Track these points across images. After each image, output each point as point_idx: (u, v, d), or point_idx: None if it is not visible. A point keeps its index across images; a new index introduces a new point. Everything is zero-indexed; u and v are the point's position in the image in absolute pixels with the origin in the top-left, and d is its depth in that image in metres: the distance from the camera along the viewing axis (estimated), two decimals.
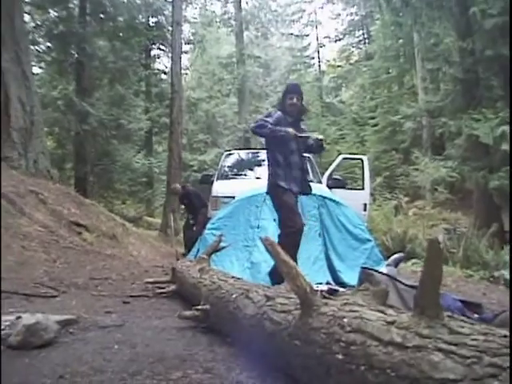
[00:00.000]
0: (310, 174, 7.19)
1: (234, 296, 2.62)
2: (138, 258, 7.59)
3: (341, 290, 3.36)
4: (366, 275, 2.92)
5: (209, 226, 6.33)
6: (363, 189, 8.75)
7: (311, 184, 5.08)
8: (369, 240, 6.10)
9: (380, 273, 3.05)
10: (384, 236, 10.00)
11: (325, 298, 1.72)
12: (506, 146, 10.58)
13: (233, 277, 3.26)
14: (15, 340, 2.73)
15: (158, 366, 2.32)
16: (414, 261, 8.47)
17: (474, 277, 6.73)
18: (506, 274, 6.25)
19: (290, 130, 4.31)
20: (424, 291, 1.32)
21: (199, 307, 3.06)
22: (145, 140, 21.66)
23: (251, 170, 9.59)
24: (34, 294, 4.24)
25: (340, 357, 1.43)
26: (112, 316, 3.60)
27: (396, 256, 3.96)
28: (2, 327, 3.00)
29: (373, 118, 21.98)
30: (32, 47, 17.33)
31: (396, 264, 3.70)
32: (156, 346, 2.72)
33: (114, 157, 17.09)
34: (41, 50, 17.67)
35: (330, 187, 7.99)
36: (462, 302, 2.85)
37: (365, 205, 8.40)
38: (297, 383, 1.86)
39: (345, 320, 1.51)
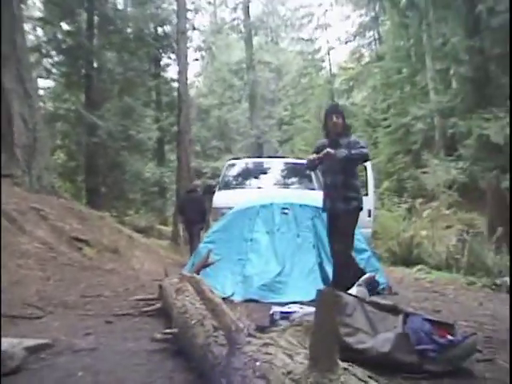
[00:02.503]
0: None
1: (193, 322, 2.59)
2: (139, 272, 7.59)
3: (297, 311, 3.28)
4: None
5: (204, 239, 6.32)
6: (367, 195, 8.68)
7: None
8: (365, 250, 5.96)
9: (349, 294, 2.96)
10: (391, 241, 9.83)
11: (250, 335, 1.66)
12: None
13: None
14: None
15: None
16: (419, 267, 8.25)
17: (476, 284, 6.50)
18: (509, 280, 6.05)
19: (311, 156, 4.86)
20: (316, 343, 1.22)
21: (167, 330, 3.04)
22: (156, 149, 21.78)
23: (256, 178, 9.54)
24: (20, 315, 4.27)
25: None
26: (89, 338, 3.59)
27: (367, 276, 3.81)
28: None
29: (385, 119, 21.72)
30: (45, 60, 17.65)
31: (367, 284, 3.57)
32: (119, 373, 2.70)
33: (125, 167, 17.25)
34: (53, 63, 17.93)
35: None
36: (432, 323, 2.74)
37: (369, 211, 8.32)
38: None
39: (257, 363, 1.44)
